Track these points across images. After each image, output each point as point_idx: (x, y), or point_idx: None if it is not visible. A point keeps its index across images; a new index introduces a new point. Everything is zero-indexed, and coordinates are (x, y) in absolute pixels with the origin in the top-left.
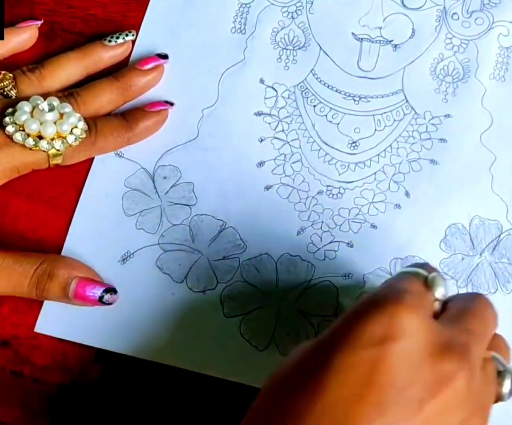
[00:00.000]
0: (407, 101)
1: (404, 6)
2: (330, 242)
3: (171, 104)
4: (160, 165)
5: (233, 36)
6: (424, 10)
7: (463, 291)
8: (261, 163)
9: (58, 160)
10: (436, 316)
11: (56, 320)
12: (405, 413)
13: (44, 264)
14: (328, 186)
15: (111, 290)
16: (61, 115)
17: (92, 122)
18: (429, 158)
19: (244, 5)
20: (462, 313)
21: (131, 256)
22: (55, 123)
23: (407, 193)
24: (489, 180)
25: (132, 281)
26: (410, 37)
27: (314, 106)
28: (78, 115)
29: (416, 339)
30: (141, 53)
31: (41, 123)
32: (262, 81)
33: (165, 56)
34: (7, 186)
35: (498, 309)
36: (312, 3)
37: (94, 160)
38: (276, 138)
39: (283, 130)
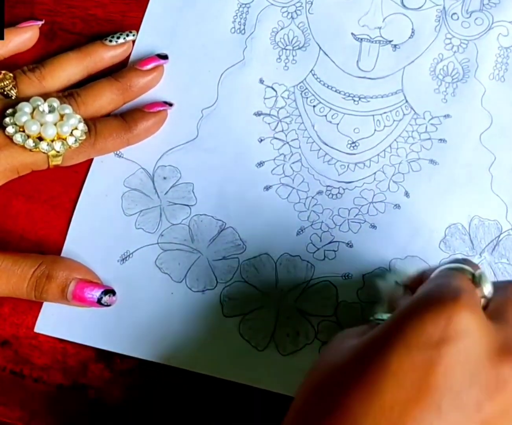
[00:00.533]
0: (406, 101)
1: (404, 6)
2: (330, 242)
3: (170, 104)
4: (160, 165)
5: (232, 36)
6: (423, 10)
7: None
8: (260, 164)
9: (57, 161)
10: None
11: (56, 320)
12: (463, 417)
13: (43, 266)
14: (327, 186)
15: (109, 291)
16: (62, 116)
17: (92, 124)
18: (428, 158)
19: (243, 5)
20: (505, 306)
21: (131, 255)
22: (55, 124)
23: (406, 194)
24: (488, 181)
25: (132, 281)
26: (409, 37)
27: (314, 106)
28: (78, 116)
29: (473, 340)
30: (141, 53)
31: (41, 125)
32: (261, 81)
33: (165, 57)
34: (7, 187)
35: None
36: (311, 3)
37: (94, 160)
38: (276, 138)
39: (282, 131)
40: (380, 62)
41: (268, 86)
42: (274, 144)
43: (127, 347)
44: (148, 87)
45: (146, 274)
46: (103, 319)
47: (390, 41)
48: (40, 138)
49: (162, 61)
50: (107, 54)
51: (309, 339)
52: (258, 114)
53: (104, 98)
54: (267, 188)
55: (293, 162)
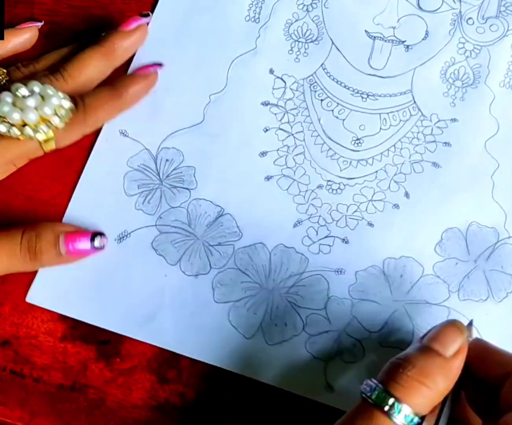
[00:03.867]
0: (414, 102)
1: (420, 8)
2: (326, 236)
3: (160, 65)
4: (164, 147)
5: (246, 24)
6: (439, 13)
7: (454, 296)
8: (263, 153)
9: (51, 145)
10: None
11: (48, 293)
12: None
13: (28, 229)
14: (328, 181)
15: (98, 234)
16: (43, 97)
17: (79, 99)
18: (432, 161)
19: None
20: None
21: (128, 235)
22: (36, 108)
23: (407, 194)
24: (490, 187)
25: (127, 260)
26: (423, 39)
27: (322, 100)
28: (61, 94)
29: None
30: (154, 39)
31: (22, 111)
32: (271, 71)
33: (146, 15)
34: (7, 186)
35: (488, 317)
36: None
37: (99, 138)
38: (281, 129)
39: (288, 122)
40: (391, 61)
41: (278, 77)
42: (278, 135)
43: (118, 325)
44: (133, 48)
45: (142, 255)
46: (96, 295)
47: (403, 42)
48: (25, 125)
49: (144, 19)
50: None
51: (297, 331)
52: (265, 104)
53: (91, 67)
54: (268, 178)
55: (296, 155)
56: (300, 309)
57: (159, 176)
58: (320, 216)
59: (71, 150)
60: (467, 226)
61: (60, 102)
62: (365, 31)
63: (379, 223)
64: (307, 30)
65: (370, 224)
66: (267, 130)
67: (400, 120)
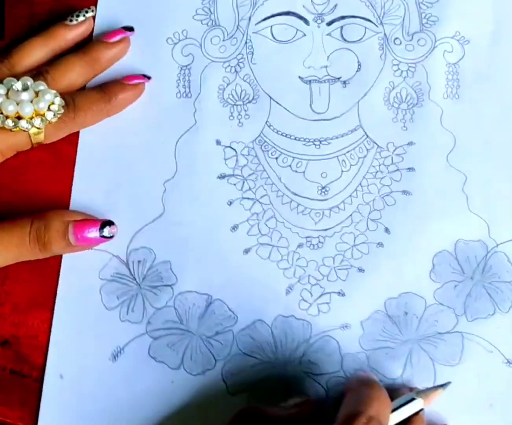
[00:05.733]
0: (367, 136)
1: (345, 40)
2: (321, 295)
3: (148, 78)
4: (132, 249)
5: (180, 101)
6: (365, 41)
7: (462, 319)
8: (234, 227)
9: (40, 139)
10: None
11: (56, 417)
12: None
13: (37, 219)
14: (307, 237)
15: (107, 223)
16: (37, 93)
17: (70, 98)
18: (401, 189)
19: (184, 67)
20: None
21: (122, 351)
22: (31, 102)
23: (387, 230)
24: (464, 201)
25: (128, 377)
26: (357, 71)
27: (276, 158)
28: (53, 91)
29: None
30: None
31: (17, 104)
32: (218, 142)
33: (130, 28)
34: (7, 185)
35: (500, 330)
36: (252, 53)
37: (63, 258)
38: (245, 198)
39: (250, 189)
40: (333, 101)
41: (226, 146)
42: (244, 205)
43: None
44: (115, 59)
45: (141, 367)
46: (104, 416)
47: (339, 78)
48: (19, 117)
49: (128, 33)
50: (69, 34)
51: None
52: (221, 176)
53: (74, 73)
54: (246, 251)
55: (267, 219)
56: (317, 377)
57: (135, 280)
58: (309, 275)
59: (71, 150)
60: (454, 245)
61: (53, 98)
62: (299, 77)
63: (369, 266)
64: (241, 91)
65: (361, 270)
66: (231, 203)
67: (359, 158)
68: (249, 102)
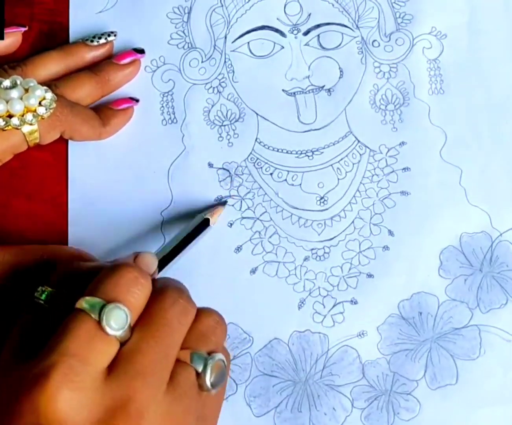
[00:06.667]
0: (358, 141)
1: (324, 48)
2: (334, 305)
3: (137, 101)
4: None
5: (166, 129)
6: (343, 47)
7: (476, 312)
8: (238, 248)
9: (35, 138)
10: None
11: None
12: None
13: (44, 256)
14: (312, 250)
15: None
16: (26, 90)
17: (70, 102)
18: (399, 190)
19: (166, 94)
20: (133, 352)
21: None
22: (21, 99)
23: (390, 233)
24: (463, 194)
25: None
26: (340, 77)
27: (271, 174)
28: (44, 87)
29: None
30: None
31: (7, 102)
32: (211, 165)
33: (141, 51)
34: (7, 186)
35: None
36: (233, 72)
37: None
38: (245, 217)
39: (248, 208)
40: (320, 110)
41: (219, 168)
42: (245, 225)
43: None
44: (125, 80)
45: None
46: None
47: (323, 87)
48: (10, 116)
49: (138, 55)
50: (89, 54)
51: (347, 411)
52: (218, 199)
53: (83, 91)
54: (253, 271)
55: (270, 236)
56: (341, 388)
57: None
58: (319, 287)
59: None
60: (459, 240)
61: (43, 93)
62: (283, 90)
63: (377, 271)
64: (227, 111)
65: (370, 275)
66: (231, 224)
67: (353, 163)
68: (236, 121)
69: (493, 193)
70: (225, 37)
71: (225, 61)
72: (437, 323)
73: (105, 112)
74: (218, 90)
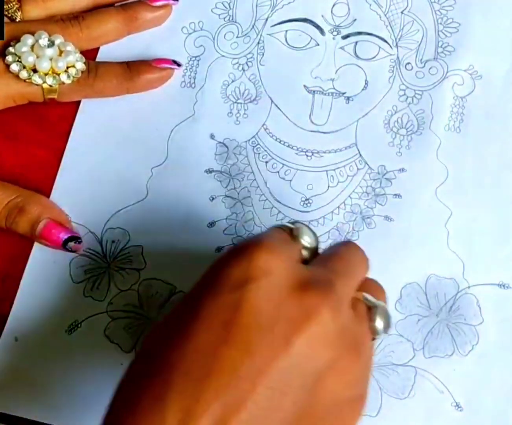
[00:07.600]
0: (360, 155)
1: (357, 56)
2: None
3: (179, 65)
4: (109, 228)
5: (182, 91)
6: (377, 61)
7: (419, 354)
8: (212, 224)
9: (53, 95)
10: (306, 263)
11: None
12: (272, 351)
13: (18, 199)
14: None
15: (76, 238)
16: (61, 52)
17: (94, 65)
18: (383, 214)
19: (193, 58)
20: (329, 257)
21: (79, 325)
22: (51, 59)
23: None
24: (445, 237)
25: (80, 352)
26: (363, 89)
27: (266, 162)
28: (78, 55)
29: (275, 277)
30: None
31: (37, 57)
32: (212, 137)
33: None
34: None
35: (455, 372)
36: (263, 54)
37: None
38: (228, 196)
39: (234, 188)
40: (333, 115)
41: (219, 142)
42: (225, 203)
43: (73, 420)
44: (154, 23)
45: (95, 345)
46: (49, 390)
47: (343, 93)
48: (35, 70)
49: (171, 1)
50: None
51: None
52: (209, 171)
53: (109, 25)
54: (219, 249)
55: (246, 221)
56: None
57: (105, 259)
58: None
59: None
60: (426, 279)
61: (75, 60)
62: (304, 86)
63: None
64: (245, 90)
65: None
66: (213, 199)
67: (348, 175)
68: (250, 102)
69: (475, 245)
70: (266, 19)
71: (258, 42)
72: (378, 354)
73: (138, 65)
74: (243, 68)
